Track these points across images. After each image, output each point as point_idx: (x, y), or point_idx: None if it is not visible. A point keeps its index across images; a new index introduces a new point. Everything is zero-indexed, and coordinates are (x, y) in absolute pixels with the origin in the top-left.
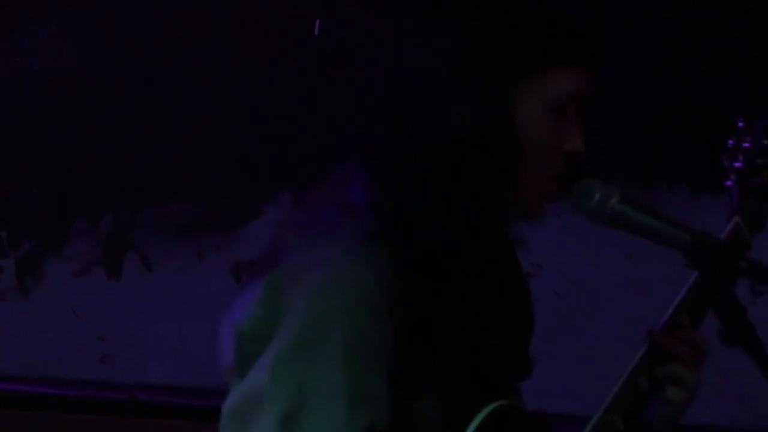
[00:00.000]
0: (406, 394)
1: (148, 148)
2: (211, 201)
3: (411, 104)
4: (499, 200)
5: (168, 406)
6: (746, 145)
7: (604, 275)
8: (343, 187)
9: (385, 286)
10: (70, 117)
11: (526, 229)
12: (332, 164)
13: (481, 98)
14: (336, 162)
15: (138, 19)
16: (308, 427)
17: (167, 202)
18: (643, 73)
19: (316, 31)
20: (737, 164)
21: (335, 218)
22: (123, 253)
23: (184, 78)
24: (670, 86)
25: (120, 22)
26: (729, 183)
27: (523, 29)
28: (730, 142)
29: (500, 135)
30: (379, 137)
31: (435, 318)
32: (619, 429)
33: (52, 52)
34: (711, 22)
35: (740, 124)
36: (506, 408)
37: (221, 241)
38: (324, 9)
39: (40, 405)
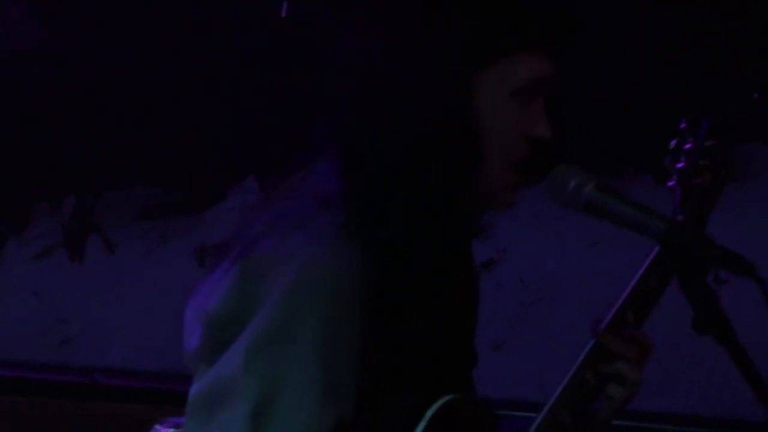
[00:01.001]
0: (373, 388)
1: (112, 132)
2: (175, 184)
3: (374, 95)
4: (465, 188)
5: (130, 390)
6: (688, 146)
7: (568, 263)
8: (317, 178)
9: (359, 279)
10: (31, 100)
11: (491, 216)
12: (302, 153)
13: (441, 86)
14: (307, 151)
15: (100, 1)
16: (279, 418)
17: (131, 185)
18: (611, 63)
19: (282, 17)
20: (679, 165)
21: (309, 210)
22: (85, 235)
23: (148, 62)
24: (639, 78)
25: (80, 4)
26: (671, 183)
27: (481, 15)
28: (673, 142)
29: (460, 122)
30: (347, 129)
31: (402, 312)
32: (566, 424)
33: (11, 33)
34: (674, 17)
35: (683, 126)
36: (457, 400)
37: (185, 224)
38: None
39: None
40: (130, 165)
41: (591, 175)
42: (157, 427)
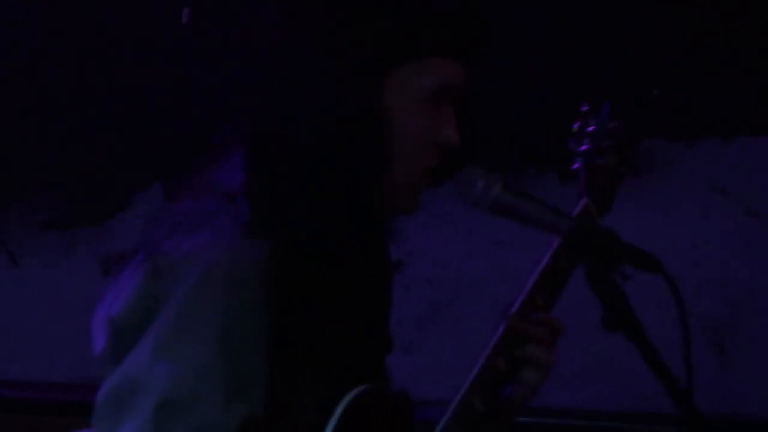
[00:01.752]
0: (283, 385)
1: (14, 140)
2: (79, 193)
3: (280, 90)
4: (370, 190)
5: (38, 402)
6: (591, 128)
7: (474, 262)
8: (220, 177)
9: (262, 276)
10: None
11: (397, 219)
12: (207, 155)
13: (348, 87)
14: (210, 151)
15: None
16: (183, 415)
17: (34, 195)
18: (515, 60)
19: (185, 19)
20: (583, 147)
21: (214, 208)
22: None
23: (50, 66)
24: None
25: None
26: (576, 166)
27: (390, 18)
28: (576, 125)
29: (367, 121)
30: (252, 125)
31: (308, 307)
32: (479, 410)
33: None
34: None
35: (584, 108)
36: (368, 391)
37: (90, 234)
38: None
39: None
40: (32, 174)
41: (498, 175)
42: None
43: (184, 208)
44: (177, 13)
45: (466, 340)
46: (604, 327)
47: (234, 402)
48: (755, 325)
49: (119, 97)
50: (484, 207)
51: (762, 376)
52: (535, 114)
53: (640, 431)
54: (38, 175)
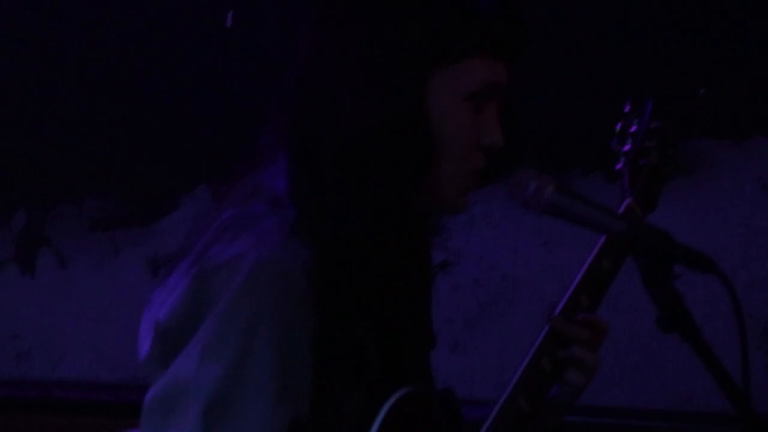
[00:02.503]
0: (329, 386)
1: (61, 143)
2: (127, 195)
3: (324, 96)
4: (413, 191)
5: (86, 403)
6: (634, 128)
7: (521, 262)
8: (265, 181)
9: (308, 277)
10: None
11: (444, 218)
12: (252, 159)
13: (391, 89)
14: (256, 157)
15: (42, 8)
16: (232, 419)
17: (81, 197)
18: (555, 60)
19: (228, 23)
20: (626, 148)
21: (260, 211)
22: (36, 249)
23: (97, 70)
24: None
25: (28, 18)
26: (619, 166)
27: (432, 19)
28: (618, 125)
29: (410, 125)
30: (297, 129)
31: (353, 308)
32: (524, 411)
33: None
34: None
35: (627, 108)
36: (413, 393)
37: (137, 235)
38: (235, 3)
39: None
40: (80, 177)
41: (551, 177)
42: None
43: (229, 213)
44: (223, 15)
45: (514, 340)
46: (660, 328)
47: (282, 405)
48: None
49: (166, 98)
50: (536, 209)
51: None
52: (580, 113)
53: (686, 431)
54: (86, 176)
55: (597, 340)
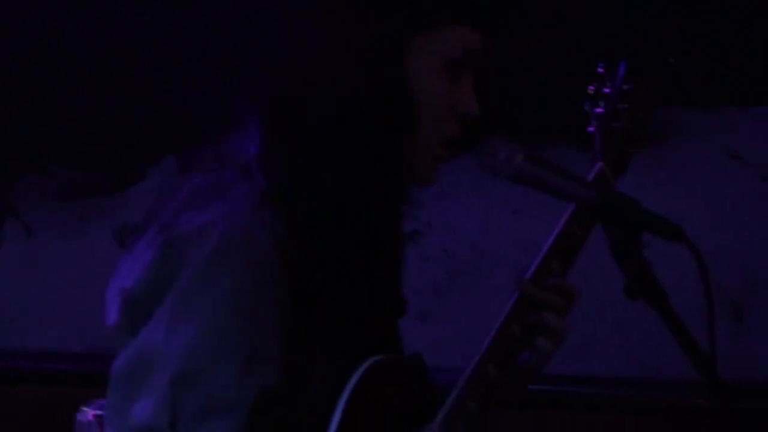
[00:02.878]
0: (299, 356)
1: (27, 113)
2: (93, 165)
3: (302, 63)
4: (391, 158)
5: (54, 373)
6: (606, 90)
7: (491, 232)
8: (235, 149)
9: (280, 247)
10: None
11: (414, 189)
12: (221, 127)
13: (371, 56)
14: (225, 124)
15: None
16: (199, 387)
17: (48, 167)
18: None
19: None
20: (598, 110)
21: (229, 179)
22: (3, 219)
23: (62, 41)
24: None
25: None
26: (591, 129)
27: None
28: (591, 87)
29: (391, 92)
30: (271, 96)
31: (323, 276)
32: (493, 377)
33: None
34: None
35: (600, 70)
36: (380, 362)
37: (104, 205)
38: None
39: None
40: (47, 147)
41: (520, 145)
42: (84, 408)
43: (198, 181)
44: None
45: (483, 309)
46: (628, 295)
47: (250, 372)
48: None
49: (131, 68)
50: (505, 177)
51: None
52: (548, 81)
53: (655, 399)
54: (52, 147)
55: (567, 306)
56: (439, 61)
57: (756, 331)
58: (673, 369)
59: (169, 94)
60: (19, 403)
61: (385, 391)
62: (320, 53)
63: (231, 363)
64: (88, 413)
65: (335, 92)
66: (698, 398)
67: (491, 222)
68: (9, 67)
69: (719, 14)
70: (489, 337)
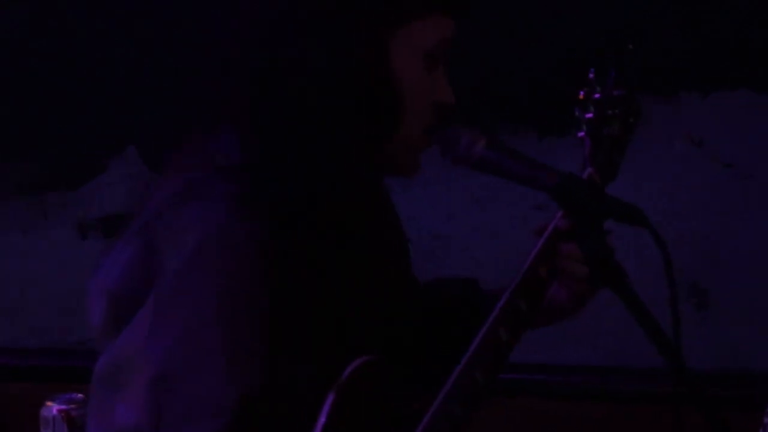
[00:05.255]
0: (285, 356)
1: None
2: (54, 158)
3: (281, 60)
4: (376, 154)
5: (15, 369)
6: (597, 96)
7: (453, 221)
8: (216, 147)
9: (261, 247)
10: None
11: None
12: (193, 124)
13: (353, 49)
14: (193, 120)
15: None
16: (181, 390)
17: (7, 160)
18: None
19: None
20: (588, 115)
21: (208, 179)
22: None
23: (22, 32)
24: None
25: None
26: (581, 134)
27: None
28: (581, 93)
29: (377, 88)
30: (252, 95)
31: (306, 278)
32: (480, 383)
33: None
34: None
35: (591, 75)
36: (368, 363)
37: (64, 198)
38: None
39: None
40: (6, 139)
41: (481, 132)
42: (49, 403)
43: (175, 181)
44: None
45: None
46: (590, 282)
47: (232, 377)
48: (732, 276)
49: (92, 58)
50: (467, 164)
51: (740, 328)
52: (511, 69)
53: (620, 387)
54: (9, 139)
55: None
56: (420, 52)
57: (717, 318)
58: (636, 356)
59: (130, 82)
60: None
61: (372, 392)
62: (303, 53)
63: (212, 367)
64: (53, 408)
65: (315, 92)
66: (663, 385)
67: (452, 211)
68: None
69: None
70: (475, 342)
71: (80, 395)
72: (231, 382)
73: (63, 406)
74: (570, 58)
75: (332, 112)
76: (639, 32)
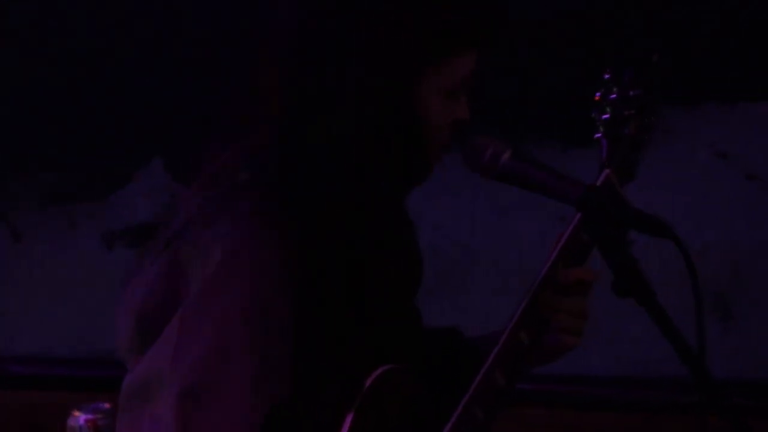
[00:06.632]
0: (310, 369)
1: (15, 117)
2: (81, 169)
3: (315, 81)
4: (399, 176)
5: (43, 378)
6: (613, 96)
7: (479, 230)
8: (241, 164)
9: (286, 262)
10: None
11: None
12: (208, 133)
13: (386, 83)
14: (227, 136)
15: None
16: (211, 406)
17: (36, 171)
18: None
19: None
20: (605, 116)
21: (234, 195)
22: None
23: (49, 46)
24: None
25: None
26: (598, 135)
27: (434, 19)
28: (597, 94)
29: (401, 121)
30: (285, 114)
31: (330, 290)
32: (501, 385)
33: None
34: None
35: (606, 76)
36: (391, 371)
37: (91, 209)
38: None
39: None
40: (35, 150)
41: (507, 143)
42: (76, 413)
43: (203, 196)
44: None
45: (471, 309)
46: (616, 293)
47: (260, 391)
48: (756, 287)
49: (120, 72)
50: (492, 175)
51: (764, 338)
52: (535, 82)
53: (642, 397)
54: (39, 151)
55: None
56: (444, 89)
57: (742, 329)
58: (660, 367)
59: (157, 97)
60: (9, 408)
61: (395, 400)
62: (332, 81)
63: (241, 376)
64: (80, 418)
65: (344, 120)
66: (688, 396)
67: (478, 220)
68: None
69: (702, 11)
70: (497, 345)
71: (107, 405)
72: (258, 396)
73: (90, 416)
74: (594, 70)
75: (358, 140)
76: (664, 45)
